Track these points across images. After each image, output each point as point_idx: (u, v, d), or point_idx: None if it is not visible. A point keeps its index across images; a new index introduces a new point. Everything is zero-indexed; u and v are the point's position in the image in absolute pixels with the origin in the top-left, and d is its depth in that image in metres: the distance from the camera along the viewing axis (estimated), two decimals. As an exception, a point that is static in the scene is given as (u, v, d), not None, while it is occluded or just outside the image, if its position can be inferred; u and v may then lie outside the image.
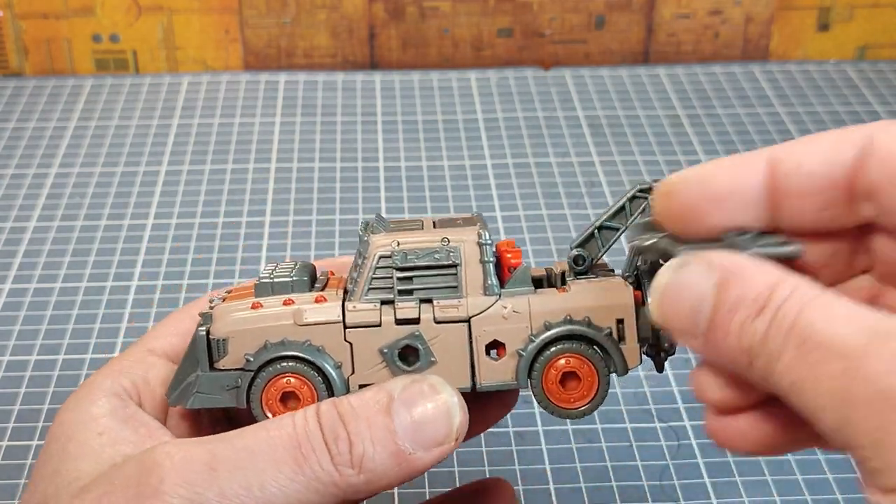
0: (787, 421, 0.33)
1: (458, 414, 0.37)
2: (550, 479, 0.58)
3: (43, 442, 0.60)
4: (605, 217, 0.40)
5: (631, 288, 0.40)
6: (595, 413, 0.63)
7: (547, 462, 0.59)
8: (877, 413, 0.27)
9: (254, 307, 0.40)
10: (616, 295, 0.40)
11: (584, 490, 0.57)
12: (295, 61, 1.02)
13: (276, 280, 0.40)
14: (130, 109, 0.96)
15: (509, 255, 0.41)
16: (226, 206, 0.82)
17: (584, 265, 0.41)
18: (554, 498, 0.57)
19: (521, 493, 0.57)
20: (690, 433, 0.61)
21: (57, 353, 0.67)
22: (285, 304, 0.40)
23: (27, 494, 0.39)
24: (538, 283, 0.42)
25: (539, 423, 0.62)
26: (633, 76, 1.01)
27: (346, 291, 0.40)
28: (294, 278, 0.40)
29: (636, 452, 0.60)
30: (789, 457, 0.59)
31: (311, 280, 0.41)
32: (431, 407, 0.37)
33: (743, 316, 0.31)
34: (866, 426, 0.28)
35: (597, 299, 0.40)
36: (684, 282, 0.32)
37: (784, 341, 0.30)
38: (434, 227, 0.41)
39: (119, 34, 1.01)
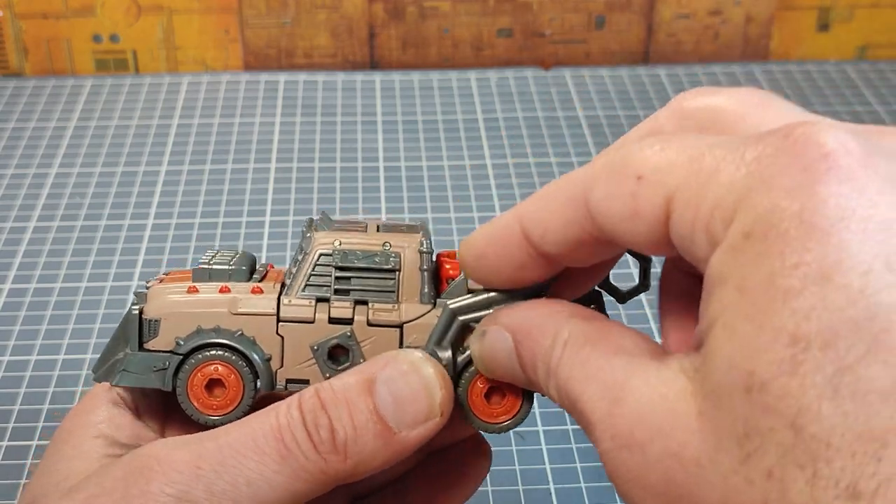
0: None
1: (439, 389, 0.37)
2: (550, 479, 0.58)
3: (43, 442, 0.60)
4: None
5: None
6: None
7: (547, 462, 0.59)
8: (613, 482, 0.30)
9: (189, 291, 0.40)
10: None
11: (584, 490, 0.57)
12: (295, 61, 1.02)
13: (214, 267, 0.40)
14: (130, 109, 0.96)
15: (448, 267, 0.41)
16: (226, 206, 0.82)
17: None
18: (554, 498, 0.57)
19: (521, 493, 0.57)
20: (690, 433, 0.61)
21: (57, 353, 0.67)
22: (221, 291, 0.40)
23: (21, 496, 0.39)
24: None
25: (539, 423, 0.62)
26: (633, 76, 1.01)
27: (283, 285, 0.40)
28: (233, 267, 0.40)
29: (636, 452, 0.60)
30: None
31: (251, 271, 0.41)
32: (412, 384, 0.37)
33: (542, 376, 0.34)
34: (617, 491, 0.30)
35: None
36: (490, 349, 0.36)
37: (567, 404, 0.33)
38: (378, 231, 0.41)
39: (119, 34, 1.01)
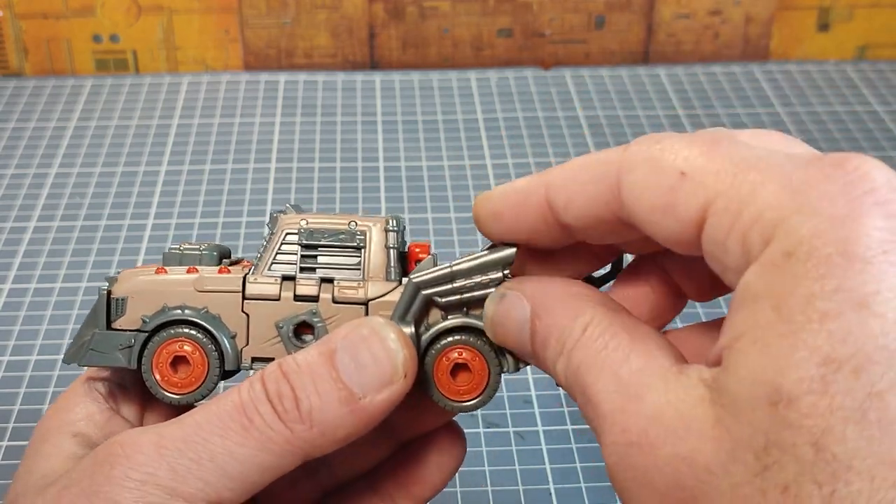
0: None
1: (401, 351, 0.37)
2: (550, 479, 0.58)
3: (43, 442, 0.60)
4: None
5: None
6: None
7: (547, 462, 0.59)
8: (612, 478, 0.31)
9: (158, 272, 0.40)
10: None
11: (584, 490, 0.57)
12: (295, 61, 1.02)
13: (185, 252, 0.41)
14: (130, 109, 0.96)
15: (417, 250, 0.41)
16: (226, 206, 0.82)
17: None
18: (554, 498, 0.57)
19: (521, 493, 0.57)
20: (690, 433, 0.61)
21: (57, 353, 0.67)
22: (189, 271, 0.40)
23: (4, 496, 0.39)
24: None
25: (539, 423, 0.62)
26: (633, 76, 1.01)
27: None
28: (203, 252, 0.41)
29: (636, 452, 0.60)
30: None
31: (222, 257, 0.41)
32: (373, 348, 0.37)
33: (551, 354, 0.34)
34: (614, 486, 0.31)
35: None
36: (505, 313, 0.36)
37: (575, 388, 0.33)
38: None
39: (119, 34, 1.01)
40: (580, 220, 0.34)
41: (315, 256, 0.39)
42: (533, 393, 0.64)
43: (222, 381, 0.41)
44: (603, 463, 0.62)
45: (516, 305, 0.36)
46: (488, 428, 0.61)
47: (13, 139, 0.91)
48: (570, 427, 0.61)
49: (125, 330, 0.40)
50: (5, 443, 0.61)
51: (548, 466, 0.59)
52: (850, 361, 0.26)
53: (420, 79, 1.01)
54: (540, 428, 0.61)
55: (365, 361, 0.36)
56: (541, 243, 0.36)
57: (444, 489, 0.57)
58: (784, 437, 0.26)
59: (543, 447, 0.60)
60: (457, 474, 0.58)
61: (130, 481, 0.35)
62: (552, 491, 0.57)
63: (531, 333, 0.35)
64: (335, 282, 0.39)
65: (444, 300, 0.39)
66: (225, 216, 0.81)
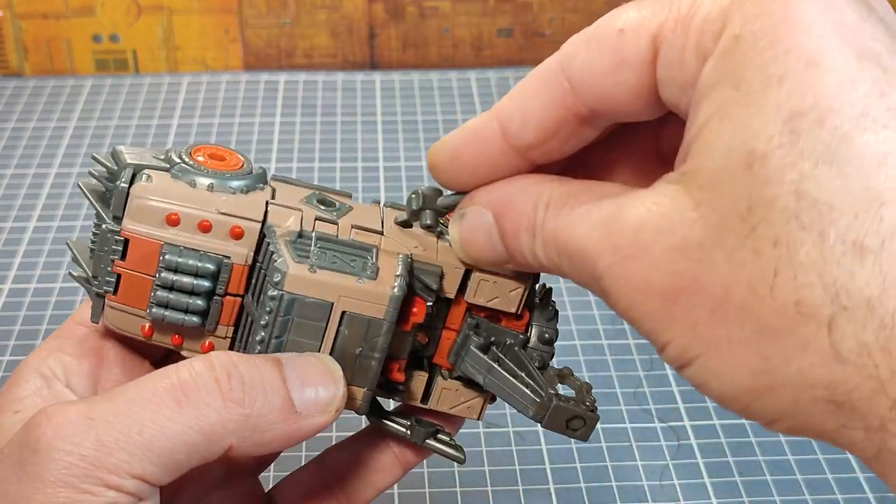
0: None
1: (342, 386, 0.37)
2: (550, 479, 0.58)
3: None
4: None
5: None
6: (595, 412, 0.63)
7: (547, 462, 0.59)
8: (615, 298, 0.31)
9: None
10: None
11: (583, 490, 0.57)
12: (295, 61, 1.02)
13: (168, 314, 0.38)
14: (130, 109, 0.96)
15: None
16: (226, 206, 0.82)
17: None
18: (554, 498, 0.57)
19: (521, 493, 0.57)
20: (690, 433, 0.61)
21: (57, 353, 0.67)
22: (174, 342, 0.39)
23: None
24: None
25: (539, 423, 0.62)
26: (633, 76, 1.01)
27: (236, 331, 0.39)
28: (187, 318, 0.38)
29: (636, 452, 0.60)
30: (789, 456, 0.59)
31: (206, 314, 0.39)
32: (319, 373, 0.37)
33: (524, 241, 0.34)
34: (618, 308, 0.31)
35: None
36: (470, 227, 0.36)
37: (557, 257, 0.33)
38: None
39: (119, 34, 1.01)
40: (540, 132, 0.34)
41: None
42: (533, 393, 0.64)
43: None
44: (602, 463, 0.62)
45: (477, 216, 0.36)
46: (488, 428, 0.61)
47: (13, 139, 0.91)
48: (570, 427, 0.61)
49: None
50: (5, 443, 0.61)
51: (548, 466, 0.59)
52: (813, 112, 0.27)
53: (420, 79, 1.01)
54: (540, 428, 0.61)
55: (310, 383, 0.37)
56: (501, 177, 0.36)
57: (444, 489, 0.57)
58: (765, 193, 0.27)
59: (543, 447, 0.60)
60: (457, 474, 0.58)
61: (56, 451, 0.34)
62: (552, 491, 0.57)
63: (500, 234, 0.35)
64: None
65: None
66: (225, 216, 0.81)
